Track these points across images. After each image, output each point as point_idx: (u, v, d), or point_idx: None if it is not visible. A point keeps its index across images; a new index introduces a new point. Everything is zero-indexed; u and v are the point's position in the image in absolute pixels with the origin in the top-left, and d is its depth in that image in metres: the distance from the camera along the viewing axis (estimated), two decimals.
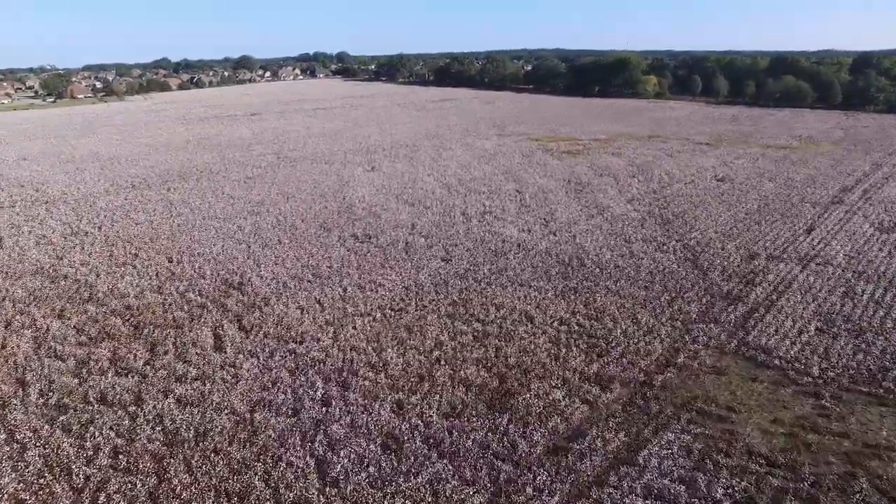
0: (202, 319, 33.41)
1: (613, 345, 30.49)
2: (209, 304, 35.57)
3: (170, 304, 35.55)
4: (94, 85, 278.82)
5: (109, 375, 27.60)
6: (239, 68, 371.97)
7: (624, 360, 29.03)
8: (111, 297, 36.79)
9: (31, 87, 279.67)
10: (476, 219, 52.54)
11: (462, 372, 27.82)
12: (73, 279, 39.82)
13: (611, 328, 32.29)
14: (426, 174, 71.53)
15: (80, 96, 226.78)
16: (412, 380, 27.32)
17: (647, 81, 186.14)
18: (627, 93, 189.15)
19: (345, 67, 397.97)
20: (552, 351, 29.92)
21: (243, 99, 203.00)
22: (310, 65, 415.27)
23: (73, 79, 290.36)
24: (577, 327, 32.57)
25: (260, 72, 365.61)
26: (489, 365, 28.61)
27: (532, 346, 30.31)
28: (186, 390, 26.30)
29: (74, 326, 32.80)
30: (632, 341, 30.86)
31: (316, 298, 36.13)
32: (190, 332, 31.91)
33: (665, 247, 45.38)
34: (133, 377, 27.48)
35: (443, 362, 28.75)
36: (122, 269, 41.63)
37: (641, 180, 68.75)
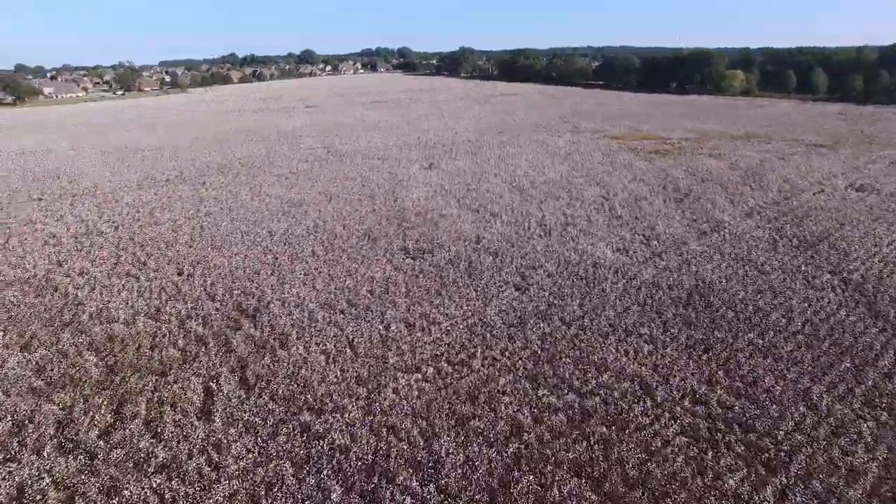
0: (195, 363, 25.02)
1: (786, 448, 19.65)
2: (211, 339, 27.22)
3: (162, 337, 27.47)
4: (164, 79, 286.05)
5: (46, 450, 19.47)
6: (301, 63, 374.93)
7: (816, 483, 18.17)
8: (96, 321, 29.20)
9: (106, 82, 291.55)
10: (556, 232, 42.13)
11: (555, 490, 17.86)
12: (63, 293, 32.71)
13: (775, 417, 21.35)
14: (492, 174, 61.57)
15: (146, 89, 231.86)
16: (475, 499, 17.61)
17: (732, 77, 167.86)
18: (710, 89, 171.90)
19: (406, 62, 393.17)
20: (691, 454, 19.43)
21: (300, 91, 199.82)
22: (371, 59, 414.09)
23: (145, 74, 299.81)
24: (720, 410, 21.82)
25: (321, 66, 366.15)
26: (596, 476, 18.49)
27: (659, 444, 19.92)
28: (139, 492, 17.69)
29: (36, 363, 25.19)
30: (815, 443, 19.89)
31: (348, 339, 27.04)
32: (175, 382, 23.53)
33: (817, 281, 33.45)
34: (75, 459, 19.19)
35: (524, 465, 18.89)
36: (123, 281, 34.25)
37: (755, 188, 55.91)
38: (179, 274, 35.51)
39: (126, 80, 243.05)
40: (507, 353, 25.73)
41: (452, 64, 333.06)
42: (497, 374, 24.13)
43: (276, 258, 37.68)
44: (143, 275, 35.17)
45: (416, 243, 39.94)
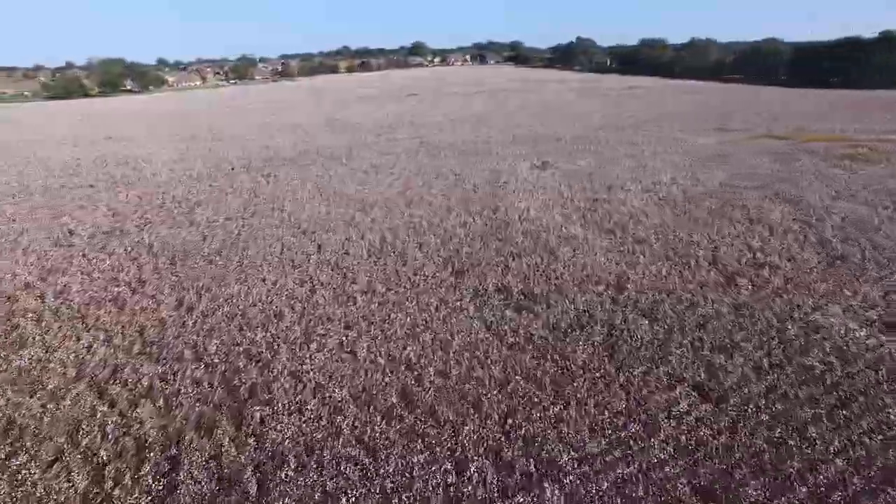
0: None
1: None
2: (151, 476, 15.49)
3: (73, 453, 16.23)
4: (277, 69, 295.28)
5: None
6: (411, 55, 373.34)
7: None
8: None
9: (225, 73, 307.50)
10: (748, 278, 26.39)
11: None
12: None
13: None
14: (628, 179, 46.06)
15: (257, 77, 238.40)
16: None
17: None
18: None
19: (517, 54, 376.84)
20: None
21: (404, 81, 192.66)
22: (480, 52, 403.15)
23: (260, 65, 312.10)
24: None
25: (430, 58, 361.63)
26: None
27: None
28: None
29: None
30: None
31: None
32: None
33: None
34: None
35: None
36: (81, 332, 23.93)
37: None
38: (178, 306, 24.73)
39: (239, 70, 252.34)
40: None
41: (567, 56, 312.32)
42: None
43: (314, 291, 25.78)
44: (125, 313, 24.67)
45: (522, 283, 26.15)
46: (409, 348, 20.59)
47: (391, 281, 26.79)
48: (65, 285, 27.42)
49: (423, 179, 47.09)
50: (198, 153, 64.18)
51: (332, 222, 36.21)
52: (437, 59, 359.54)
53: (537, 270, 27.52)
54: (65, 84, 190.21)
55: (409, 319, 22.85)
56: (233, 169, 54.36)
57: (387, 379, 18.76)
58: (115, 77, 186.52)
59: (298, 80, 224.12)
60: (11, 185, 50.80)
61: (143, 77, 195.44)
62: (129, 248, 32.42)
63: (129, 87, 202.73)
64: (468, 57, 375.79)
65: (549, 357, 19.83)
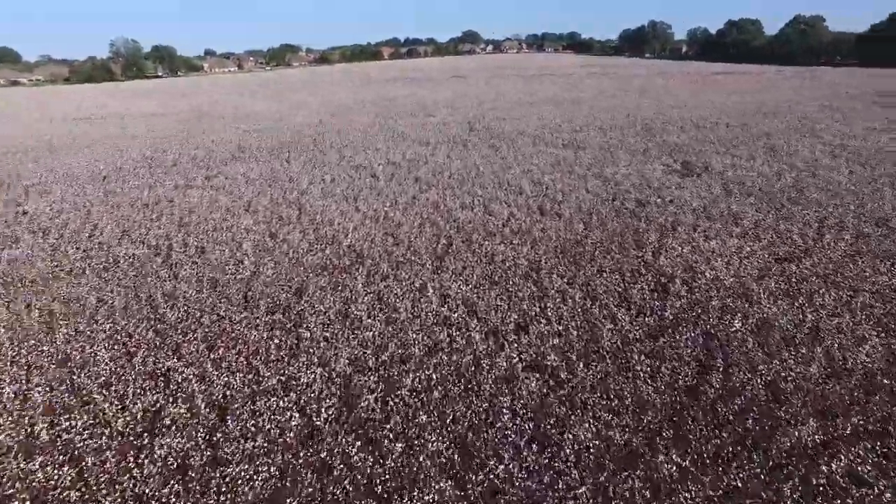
0: None
1: None
2: None
3: None
4: (317, 56, 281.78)
5: None
6: (461, 43, 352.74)
7: None
8: None
9: (265, 60, 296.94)
10: None
11: None
12: None
13: None
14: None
15: (294, 64, 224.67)
16: None
17: None
18: None
19: (580, 42, 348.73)
20: None
21: (450, 63, 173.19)
22: (536, 40, 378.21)
23: (302, 52, 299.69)
24: None
25: (482, 45, 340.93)
26: None
27: None
28: None
29: None
30: None
31: None
32: None
33: None
34: None
35: None
36: None
37: None
38: None
39: (276, 57, 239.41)
40: None
41: (637, 43, 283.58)
42: None
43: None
44: None
45: None
46: None
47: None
48: None
49: (473, 185, 26.92)
50: (203, 137, 46.38)
51: (286, 287, 16.67)
52: (490, 48, 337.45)
53: None
54: (90, 70, 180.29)
55: None
56: (232, 157, 35.88)
57: None
58: (138, 60, 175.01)
59: (336, 65, 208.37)
60: None
61: (171, 61, 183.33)
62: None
63: (157, 73, 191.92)
64: (524, 45, 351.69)
65: None
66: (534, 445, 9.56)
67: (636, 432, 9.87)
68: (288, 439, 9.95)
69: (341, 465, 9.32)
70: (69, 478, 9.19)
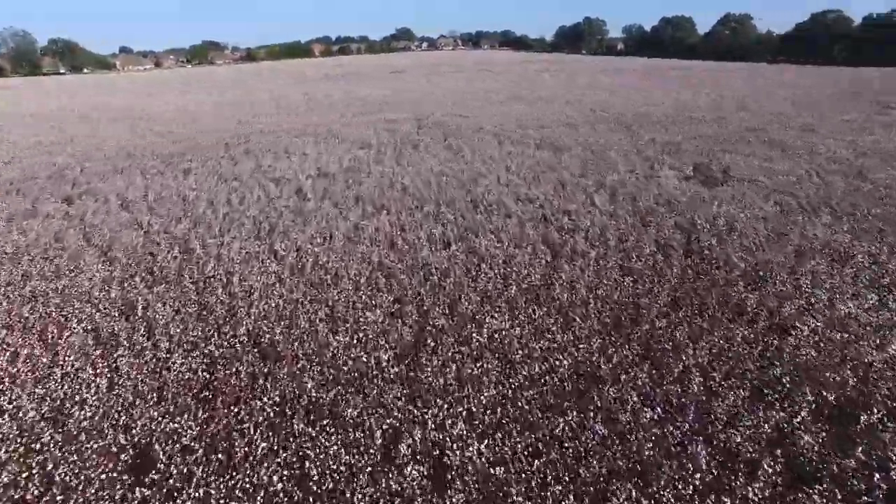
0: None
1: None
2: None
3: None
4: (243, 54, 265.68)
5: None
6: (395, 40, 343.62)
7: None
8: None
9: (186, 58, 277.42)
10: None
11: None
12: None
13: None
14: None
15: (217, 62, 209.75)
16: None
17: None
18: None
19: (517, 39, 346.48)
20: None
21: (386, 60, 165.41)
22: (472, 37, 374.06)
23: (226, 51, 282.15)
24: None
25: (417, 43, 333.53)
26: None
27: None
28: None
29: None
30: None
31: None
32: None
33: None
34: None
35: None
36: None
37: None
38: None
39: (199, 54, 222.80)
40: None
41: (573, 40, 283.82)
42: None
43: None
44: None
45: None
46: None
47: None
48: None
49: (426, 194, 19.70)
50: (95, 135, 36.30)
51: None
52: (425, 45, 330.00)
53: None
54: None
55: None
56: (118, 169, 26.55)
57: None
58: (30, 55, 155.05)
59: (263, 63, 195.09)
60: None
61: (73, 57, 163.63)
62: None
63: (58, 70, 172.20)
64: (460, 42, 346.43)
65: None
66: None
67: None
68: None
69: None
70: None
